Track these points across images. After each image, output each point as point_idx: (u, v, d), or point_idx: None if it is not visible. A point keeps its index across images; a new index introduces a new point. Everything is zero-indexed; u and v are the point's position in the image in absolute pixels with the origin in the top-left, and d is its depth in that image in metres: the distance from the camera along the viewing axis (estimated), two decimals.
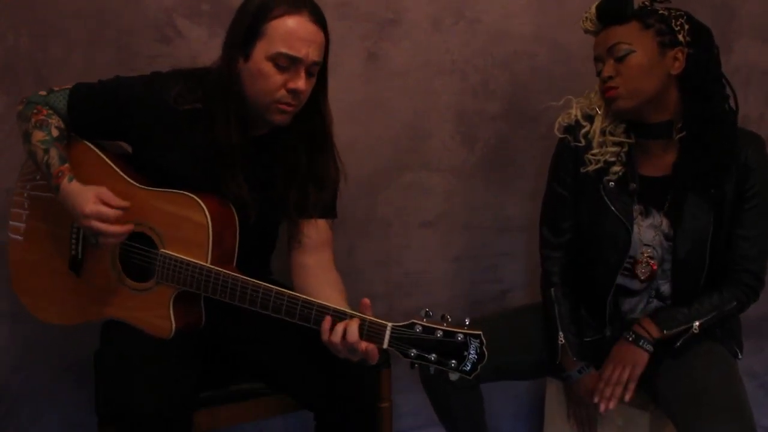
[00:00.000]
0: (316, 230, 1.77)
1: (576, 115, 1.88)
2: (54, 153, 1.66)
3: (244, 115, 1.66)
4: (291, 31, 1.57)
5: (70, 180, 1.63)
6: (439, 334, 1.44)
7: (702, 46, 1.76)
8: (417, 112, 2.28)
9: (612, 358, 1.84)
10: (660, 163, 1.82)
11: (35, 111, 1.71)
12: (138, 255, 1.68)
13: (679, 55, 1.75)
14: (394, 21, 2.19)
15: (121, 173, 1.70)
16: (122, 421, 1.60)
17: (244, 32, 1.60)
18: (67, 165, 1.65)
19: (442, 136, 2.31)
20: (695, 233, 1.79)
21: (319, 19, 1.62)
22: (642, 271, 1.85)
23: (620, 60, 1.75)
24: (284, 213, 1.75)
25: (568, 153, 1.89)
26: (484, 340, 1.42)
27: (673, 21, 1.75)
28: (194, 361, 1.72)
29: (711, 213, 1.78)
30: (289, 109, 1.64)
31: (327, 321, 1.51)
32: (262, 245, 1.86)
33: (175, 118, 1.67)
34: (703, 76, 1.75)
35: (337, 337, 1.49)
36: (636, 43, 1.74)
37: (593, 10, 1.80)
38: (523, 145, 2.36)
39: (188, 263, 1.62)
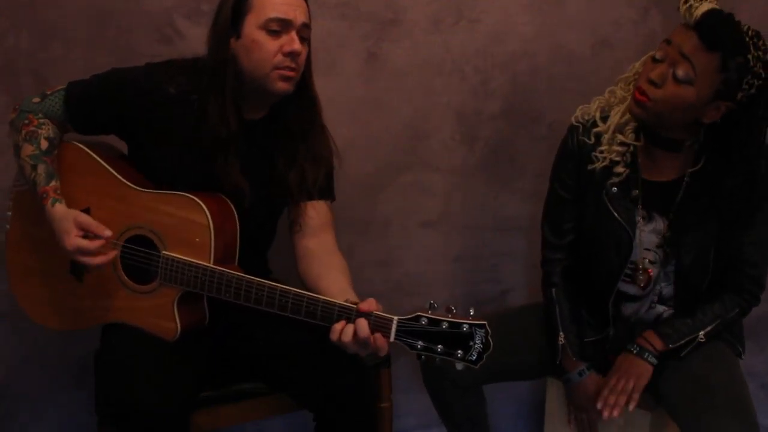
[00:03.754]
0: (316, 212, 1.78)
1: (594, 115, 1.81)
2: (41, 169, 1.66)
3: (240, 99, 1.68)
4: None
5: (53, 204, 1.64)
6: (445, 325, 1.45)
7: (751, 112, 1.63)
8: (417, 112, 2.28)
9: (617, 369, 1.83)
10: (665, 168, 1.78)
11: (26, 121, 1.70)
12: (140, 257, 1.68)
13: (722, 108, 1.64)
14: (394, 21, 2.19)
15: (117, 175, 1.70)
16: (122, 420, 1.60)
17: (231, 12, 1.64)
18: (53, 184, 1.66)
19: (442, 136, 2.31)
20: (700, 239, 1.77)
21: None
22: (641, 278, 1.83)
23: (674, 79, 1.62)
24: (287, 194, 1.75)
25: (571, 155, 1.86)
26: (489, 330, 1.44)
27: (749, 76, 1.58)
28: (194, 361, 1.71)
29: (717, 219, 1.75)
30: (291, 74, 1.65)
31: (341, 323, 1.52)
32: (261, 238, 1.85)
33: (172, 108, 1.67)
34: (734, 136, 1.65)
35: (348, 336, 1.50)
36: (700, 80, 1.60)
37: (698, 11, 1.59)
38: (523, 145, 2.35)
39: (191, 264, 1.62)
